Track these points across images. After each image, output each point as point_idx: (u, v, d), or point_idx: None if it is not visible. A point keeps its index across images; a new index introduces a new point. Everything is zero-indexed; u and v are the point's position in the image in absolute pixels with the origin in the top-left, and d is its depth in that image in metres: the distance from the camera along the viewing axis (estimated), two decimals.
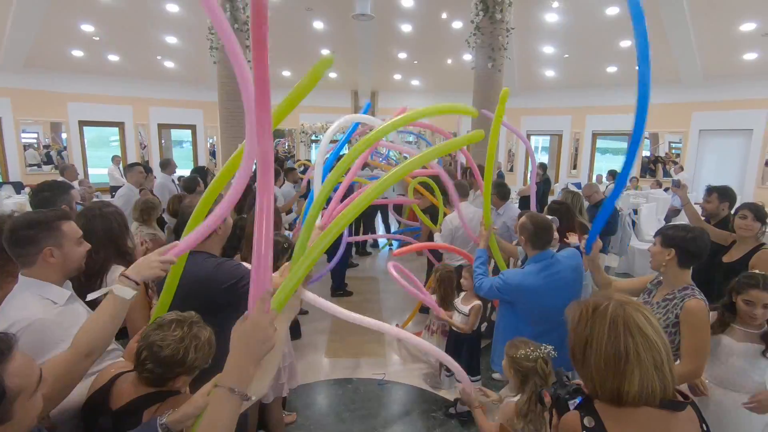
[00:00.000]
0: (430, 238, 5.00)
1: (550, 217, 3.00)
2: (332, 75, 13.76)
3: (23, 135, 11.50)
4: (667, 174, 11.45)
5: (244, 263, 1.90)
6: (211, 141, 14.43)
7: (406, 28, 11.50)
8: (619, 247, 5.87)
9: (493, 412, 2.07)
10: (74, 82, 11.94)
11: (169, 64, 12.59)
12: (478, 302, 3.14)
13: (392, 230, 7.67)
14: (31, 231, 1.49)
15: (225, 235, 2.01)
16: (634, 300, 1.14)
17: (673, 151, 11.68)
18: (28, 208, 2.91)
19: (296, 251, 1.36)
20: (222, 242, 2.03)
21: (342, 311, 1.70)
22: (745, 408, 1.94)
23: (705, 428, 1.13)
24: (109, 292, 1.33)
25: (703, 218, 3.65)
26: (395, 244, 6.83)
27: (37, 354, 1.32)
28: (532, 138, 14.57)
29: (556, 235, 2.69)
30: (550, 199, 6.67)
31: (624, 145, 12.57)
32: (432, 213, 5.09)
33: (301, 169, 8.54)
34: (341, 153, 3.65)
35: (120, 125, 13.00)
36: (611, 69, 11.61)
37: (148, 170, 5.66)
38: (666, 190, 9.39)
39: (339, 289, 5.55)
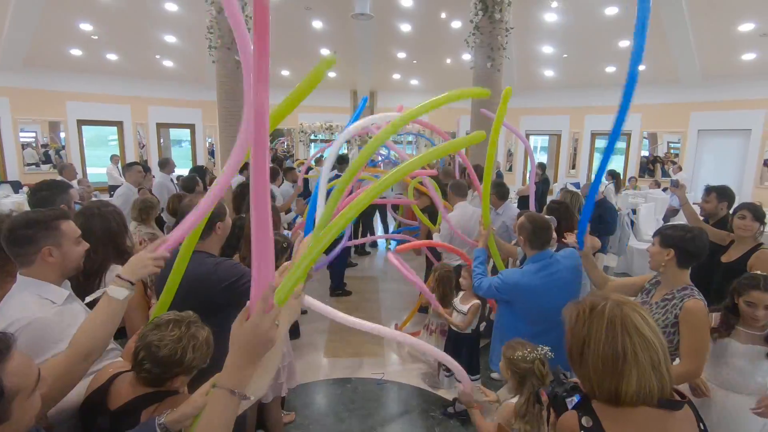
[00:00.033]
0: (429, 237, 5.00)
1: (548, 216, 3.01)
2: (331, 74, 13.73)
3: (21, 134, 11.46)
4: (665, 174, 11.46)
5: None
6: (209, 140, 14.39)
7: (406, 27, 11.48)
8: (617, 247, 5.86)
9: (491, 412, 2.07)
10: (73, 81, 11.90)
11: (167, 63, 12.55)
12: (476, 301, 3.15)
13: (390, 230, 7.67)
14: (30, 230, 1.49)
15: (224, 234, 2.01)
16: (631, 300, 1.14)
17: (672, 151, 11.68)
18: (27, 208, 2.90)
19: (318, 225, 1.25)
20: (221, 242, 2.04)
21: (341, 315, 1.69)
22: (753, 413, 1.92)
23: (702, 427, 1.13)
24: (103, 294, 1.33)
25: (701, 218, 3.65)
26: (393, 244, 6.83)
27: (36, 353, 1.32)
28: (531, 138, 14.55)
29: (554, 235, 2.70)
30: (549, 198, 6.69)
31: (623, 145, 12.56)
32: (431, 212, 5.09)
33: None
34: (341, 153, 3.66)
35: (118, 124, 12.96)
36: (610, 69, 11.60)
37: (146, 169, 5.66)
38: (665, 189, 9.39)
39: (338, 289, 5.55)
